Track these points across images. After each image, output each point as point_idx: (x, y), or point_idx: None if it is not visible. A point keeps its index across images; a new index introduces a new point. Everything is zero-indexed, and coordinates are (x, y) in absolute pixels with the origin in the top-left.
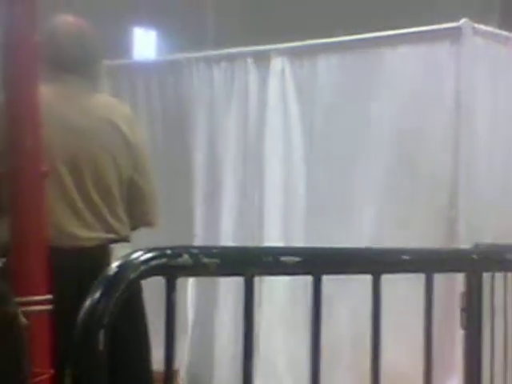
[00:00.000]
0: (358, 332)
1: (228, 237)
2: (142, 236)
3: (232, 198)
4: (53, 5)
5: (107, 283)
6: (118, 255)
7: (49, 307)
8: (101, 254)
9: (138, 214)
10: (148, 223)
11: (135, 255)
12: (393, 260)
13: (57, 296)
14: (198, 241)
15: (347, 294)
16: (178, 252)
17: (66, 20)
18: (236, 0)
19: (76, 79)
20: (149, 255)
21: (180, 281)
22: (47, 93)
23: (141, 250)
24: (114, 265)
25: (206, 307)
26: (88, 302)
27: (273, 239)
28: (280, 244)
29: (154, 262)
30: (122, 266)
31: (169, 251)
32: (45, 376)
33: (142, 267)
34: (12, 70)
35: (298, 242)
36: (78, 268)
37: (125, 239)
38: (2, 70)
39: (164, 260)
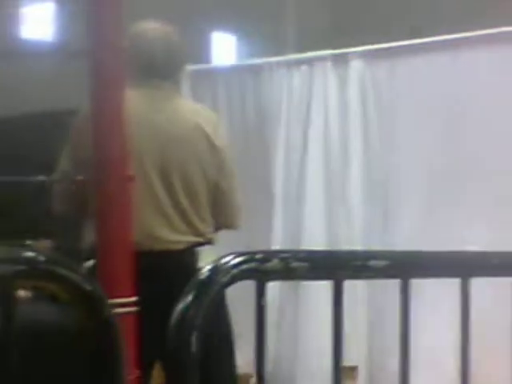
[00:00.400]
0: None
1: (310, 240)
2: (220, 238)
3: (313, 201)
4: (133, 10)
5: (199, 287)
6: (204, 258)
7: (135, 309)
8: (188, 256)
9: (222, 216)
10: (230, 226)
11: (226, 259)
12: (482, 263)
13: (145, 298)
14: (276, 243)
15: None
16: (267, 256)
17: (152, 25)
18: (316, 3)
19: (163, 84)
20: (239, 259)
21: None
22: (135, 98)
23: (231, 254)
24: (205, 269)
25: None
26: (180, 306)
27: (356, 243)
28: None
29: (244, 266)
30: (213, 269)
31: (259, 255)
32: (132, 377)
33: (233, 271)
34: (98, 76)
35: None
36: (166, 271)
37: (210, 242)
38: (89, 75)
39: (254, 264)
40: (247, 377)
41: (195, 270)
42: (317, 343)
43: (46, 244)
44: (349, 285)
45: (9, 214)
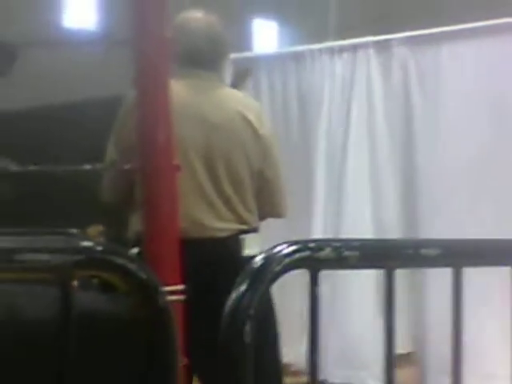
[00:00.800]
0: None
1: (351, 230)
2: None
3: (355, 189)
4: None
5: (252, 276)
6: (248, 245)
7: (182, 297)
8: (233, 244)
9: (267, 205)
10: (276, 215)
11: (279, 248)
12: None
13: (190, 285)
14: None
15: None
16: (320, 245)
17: (195, 15)
18: None
19: (207, 73)
20: (292, 248)
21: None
22: (180, 88)
23: (284, 243)
24: (259, 258)
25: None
26: (234, 295)
27: (392, 231)
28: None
29: (297, 255)
30: (267, 258)
31: (312, 244)
32: (180, 364)
33: (286, 260)
34: (143, 67)
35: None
36: (211, 258)
37: (254, 230)
38: (133, 66)
39: (307, 253)
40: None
41: (240, 258)
42: (359, 330)
43: (98, 229)
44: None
45: (61, 200)
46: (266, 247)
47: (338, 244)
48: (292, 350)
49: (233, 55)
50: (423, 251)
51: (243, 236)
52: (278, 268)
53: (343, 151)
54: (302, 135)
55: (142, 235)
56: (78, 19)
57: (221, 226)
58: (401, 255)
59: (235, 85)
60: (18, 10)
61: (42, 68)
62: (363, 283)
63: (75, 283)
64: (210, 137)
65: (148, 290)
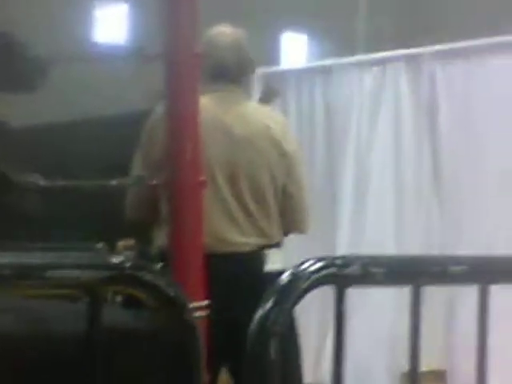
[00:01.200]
0: None
1: (376, 245)
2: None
3: (382, 204)
4: (203, 12)
5: (279, 293)
6: (271, 260)
7: (206, 313)
8: (256, 258)
9: (290, 221)
10: (299, 230)
11: (305, 265)
12: None
13: (214, 301)
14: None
15: None
16: (347, 261)
17: (223, 30)
18: (388, 2)
19: (232, 88)
20: (319, 265)
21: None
22: (205, 102)
23: (310, 259)
24: (285, 274)
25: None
26: (260, 312)
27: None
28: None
29: (323, 272)
30: (293, 275)
31: (338, 261)
32: (205, 381)
33: (313, 277)
34: (173, 82)
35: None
36: (234, 273)
37: (277, 245)
38: (163, 81)
39: (334, 269)
40: None
41: (263, 273)
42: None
43: (129, 243)
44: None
45: (91, 215)
46: (289, 262)
47: (364, 260)
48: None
49: (261, 69)
50: (451, 268)
51: (266, 251)
52: (304, 285)
53: (371, 167)
54: (329, 149)
55: (167, 250)
56: (109, 34)
57: (244, 240)
58: (428, 272)
59: (262, 103)
60: (50, 24)
61: (73, 83)
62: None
63: (113, 299)
64: (235, 152)
65: (176, 307)
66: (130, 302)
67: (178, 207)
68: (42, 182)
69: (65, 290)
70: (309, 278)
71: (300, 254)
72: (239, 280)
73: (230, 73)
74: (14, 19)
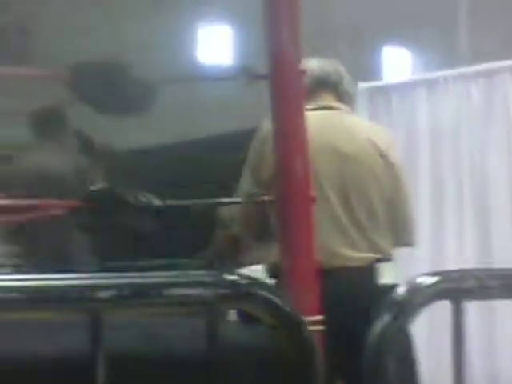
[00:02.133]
0: None
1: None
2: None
3: (499, 217)
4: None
5: (396, 308)
6: (384, 274)
7: (321, 328)
8: (368, 273)
9: (398, 233)
10: (407, 243)
11: (421, 279)
12: None
13: (327, 316)
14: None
15: None
16: (463, 275)
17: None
18: (490, 12)
19: (336, 104)
20: (435, 279)
21: None
22: (313, 119)
23: (426, 274)
24: (401, 289)
25: None
26: (377, 327)
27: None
28: None
29: (440, 286)
30: (410, 290)
31: (454, 275)
32: None
33: (429, 291)
34: (279, 100)
35: None
36: (347, 287)
37: (389, 258)
38: (270, 99)
39: (450, 284)
40: None
41: (376, 287)
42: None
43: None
44: None
45: (200, 232)
46: (401, 276)
47: (480, 274)
48: None
49: (366, 84)
50: None
51: (378, 265)
52: (420, 300)
53: (482, 181)
54: (435, 164)
55: (280, 266)
56: (213, 54)
57: (356, 255)
58: None
59: None
60: (156, 46)
61: (180, 103)
62: None
63: (231, 316)
64: (343, 166)
65: (293, 324)
66: (244, 319)
67: (288, 223)
68: (157, 203)
69: (182, 307)
70: (425, 292)
71: (410, 267)
72: (353, 295)
73: (333, 88)
74: (119, 42)
